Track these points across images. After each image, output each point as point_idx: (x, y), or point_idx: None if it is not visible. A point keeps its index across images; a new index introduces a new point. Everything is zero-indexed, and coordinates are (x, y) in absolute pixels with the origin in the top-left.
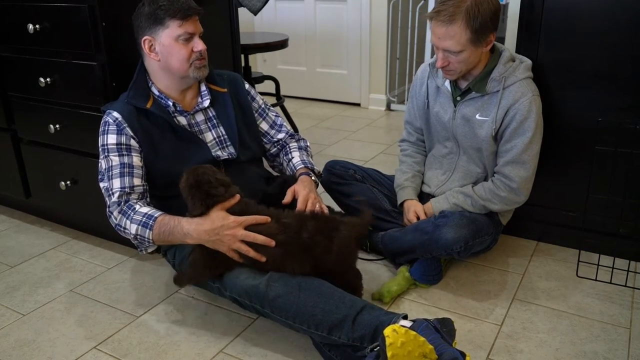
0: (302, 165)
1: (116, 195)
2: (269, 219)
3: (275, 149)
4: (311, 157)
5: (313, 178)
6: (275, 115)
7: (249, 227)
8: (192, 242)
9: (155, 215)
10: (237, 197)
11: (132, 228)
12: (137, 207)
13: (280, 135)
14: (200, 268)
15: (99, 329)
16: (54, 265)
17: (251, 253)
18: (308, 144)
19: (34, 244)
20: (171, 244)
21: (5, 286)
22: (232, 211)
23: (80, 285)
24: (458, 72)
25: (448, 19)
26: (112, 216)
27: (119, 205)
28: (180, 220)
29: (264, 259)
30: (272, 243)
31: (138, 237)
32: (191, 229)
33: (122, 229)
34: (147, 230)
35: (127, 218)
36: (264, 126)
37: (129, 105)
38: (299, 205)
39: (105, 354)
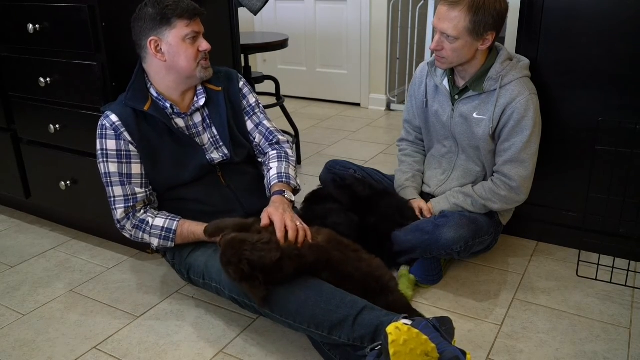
0: (277, 181)
1: (121, 210)
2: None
3: (261, 155)
4: (291, 165)
5: (286, 196)
6: (264, 118)
7: None
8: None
9: (173, 228)
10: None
11: (154, 241)
12: (150, 220)
13: (258, 139)
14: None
15: (99, 329)
16: (54, 265)
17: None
18: (289, 151)
19: (34, 244)
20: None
21: (5, 286)
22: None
23: (80, 285)
24: (449, 62)
25: (452, 2)
26: (126, 229)
27: (128, 219)
28: (195, 231)
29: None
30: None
31: (159, 247)
32: (200, 232)
33: (139, 240)
34: (169, 242)
35: (144, 232)
36: (249, 125)
37: (127, 107)
38: (278, 233)
39: (105, 354)
